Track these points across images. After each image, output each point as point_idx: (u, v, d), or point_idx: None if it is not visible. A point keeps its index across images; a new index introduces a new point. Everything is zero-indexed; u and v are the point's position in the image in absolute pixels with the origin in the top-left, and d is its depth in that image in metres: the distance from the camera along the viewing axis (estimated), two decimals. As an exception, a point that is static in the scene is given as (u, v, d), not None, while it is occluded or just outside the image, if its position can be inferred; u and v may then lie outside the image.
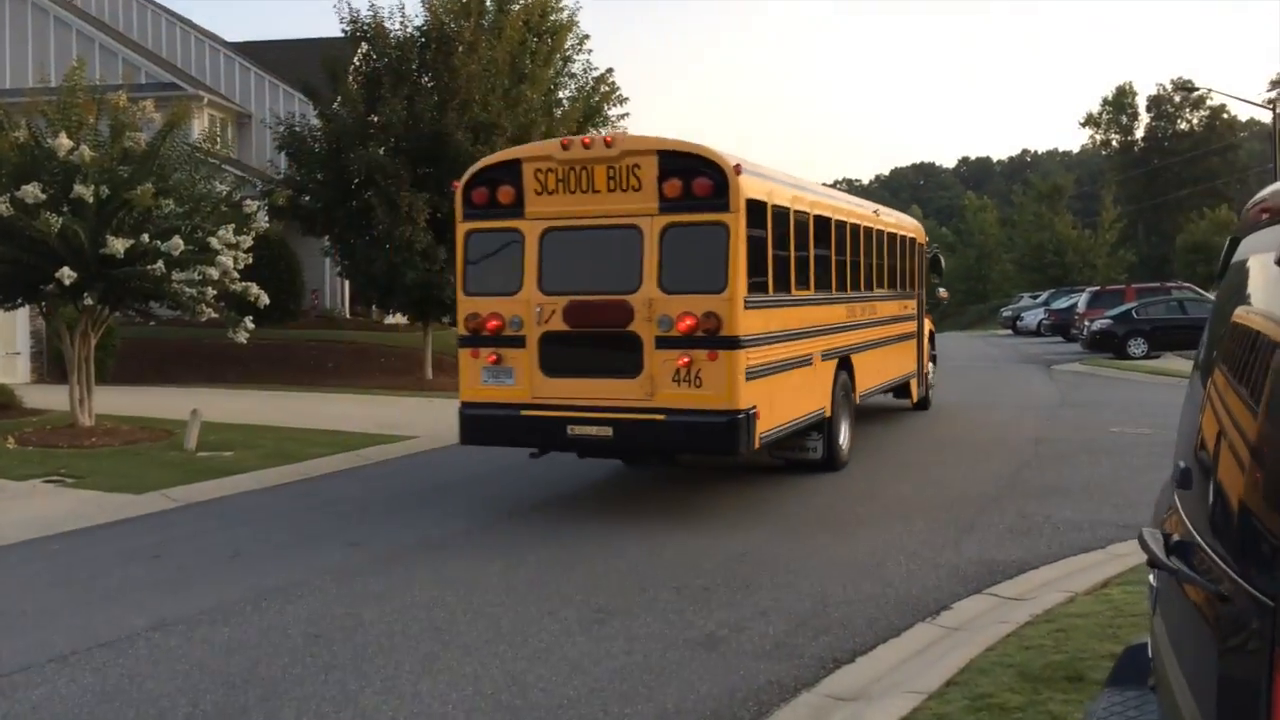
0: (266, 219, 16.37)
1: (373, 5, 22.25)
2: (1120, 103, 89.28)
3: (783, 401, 10.14)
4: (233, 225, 14.79)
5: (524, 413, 9.63)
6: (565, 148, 9.60)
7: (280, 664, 5.94)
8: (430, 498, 11.12)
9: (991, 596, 7.05)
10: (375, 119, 20.83)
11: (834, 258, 12.28)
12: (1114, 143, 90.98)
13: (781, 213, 10.38)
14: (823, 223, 11.78)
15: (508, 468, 13.06)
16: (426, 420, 17.09)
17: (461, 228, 10.06)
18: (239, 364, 22.76)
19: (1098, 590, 6.93)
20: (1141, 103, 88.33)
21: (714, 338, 9.03)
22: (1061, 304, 42.64)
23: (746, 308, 9.23)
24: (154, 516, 10.55)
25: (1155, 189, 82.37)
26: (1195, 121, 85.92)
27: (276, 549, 8.88)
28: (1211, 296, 34.43)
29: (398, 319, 26.69)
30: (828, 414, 11.54)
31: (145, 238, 13.72)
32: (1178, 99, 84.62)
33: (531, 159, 9.80)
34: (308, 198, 21.50)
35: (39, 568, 8.49)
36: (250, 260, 15.16)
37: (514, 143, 20.73)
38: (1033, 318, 46.30)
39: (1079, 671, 5.26)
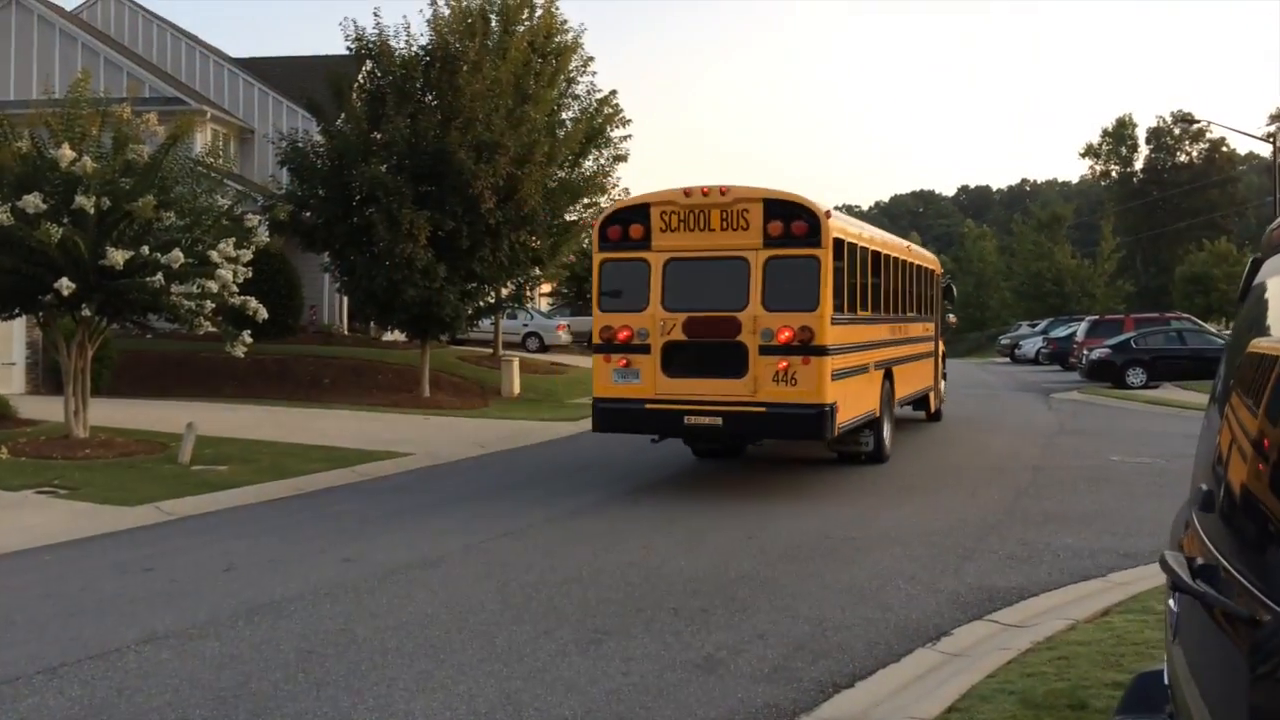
0: (267, 234, 16.35)
1: (378, 24, 22.18)
2: (1120, 134, 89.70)
3: (852, 401, 12.26)
4: (233, 239, 14.77)
5: (648, 406, 11.72)
6: (687, 195, 11.79)
7: (272, 679, 5.87)
8: (426, 514, 11.04)
9: (992, 623, 6.97)
10: (378, 136, 20.86)
11: (883, 286, 14.48)
12: (1113, 173, 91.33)
13: (852, 249, 12.56)
14: (876, 257, 14.00)
15: (507, 486, 13.00)
16: (423, 437, 17.03)
17: (598, 257, 12.33)
18: (235, 378, 22.70)
19: (1099, 618, 6.86)
20: (1141, 134, 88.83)
21: (807, 347, 11.28)
22: (1060, 333, 42.64)
23: (832, 324, 11.45)
24: (147, 529, 10.47)
25: (1154, 220, 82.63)
26: (1195, 154, 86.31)
27: (270, 564, 8.80)
28: (1210, 328, 34.59)
29: (396, 336, 26.65)
30: (877, 414, 13.65)
31: (145, 250, 13.70)
32: (1177, 131, 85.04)
33: (659, 203, 11.97)
34: (309, 213, 21.50)
35: (30, 578, 8.40)
36: (250, 274, 15.13)
37: (516, 163, 20.81)
38: (1031, 346, 46.27)
39: (1082, 700, 5.19)
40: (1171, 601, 2.36)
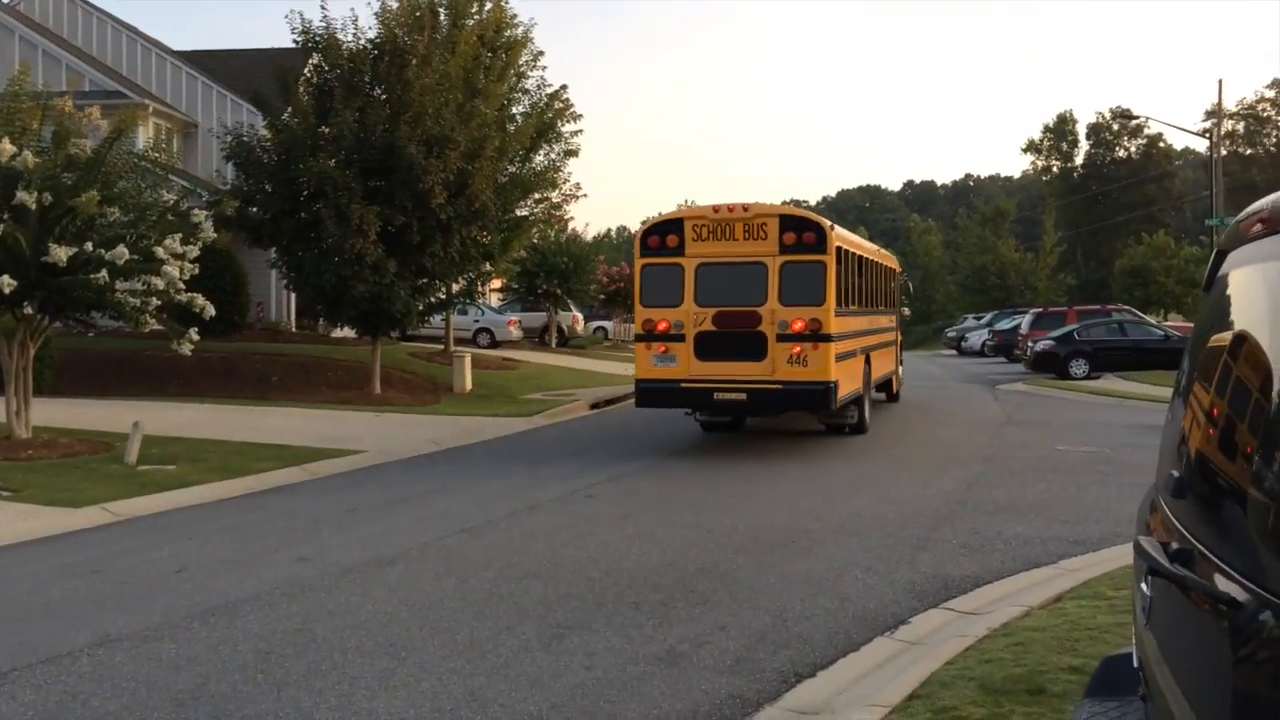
0: (213, 230, 16.08)
1: (325, 17, 21.87)
2: (1061, 130, 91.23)
3: (846, 380, 14.59)
4: (179, 235, 14.53)
5: (683, 385, 14.08)
6: (715, 211, 14.16)
7: (231, 681, 5.79)
8: (381, 512, 10.95)
9: (948, 611, 7.08)
10: (326, 130, 20.60)
11: (864, 284, 16.92)
12: (1055, 169, 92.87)
13: (847, 254, 15.08)
14: (860, 260, 16.57)
15: (461, 483, 12.94)
16: (374, 435, 16.89)
17: (639, 262, 14.53)
18: (181, 376, 22.32)
19: (1052, 605, 6.99)
20: (1082, 130, 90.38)
21: (816, 335, 13.63)
22: (1005, 325, 43.23)
23: (835, 316, 13.86)
24: (94, 531, 10.28)
25: (1094, 214, 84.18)
26: (1133, 149, 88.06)
27: (223, 564, 8.68)
28: (1150, 320, 35.31)
29: (345, 332, 26.36)
30: (861, 392, 16.08)
31: (89, 246, 13.44)
32: (1116, 127, 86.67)
33: (691, 218, 14.33)
34: (255, 209, 21.19)
35: (-26, 583, 8.20)
36: (196, 271, 14.89)
37: (467, 157, 20.66)
38: (977, 338, 46.89)
39: (1039, 684, 5.29)
40: (1144, 586, 2.41)
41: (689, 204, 19.25)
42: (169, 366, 22.03)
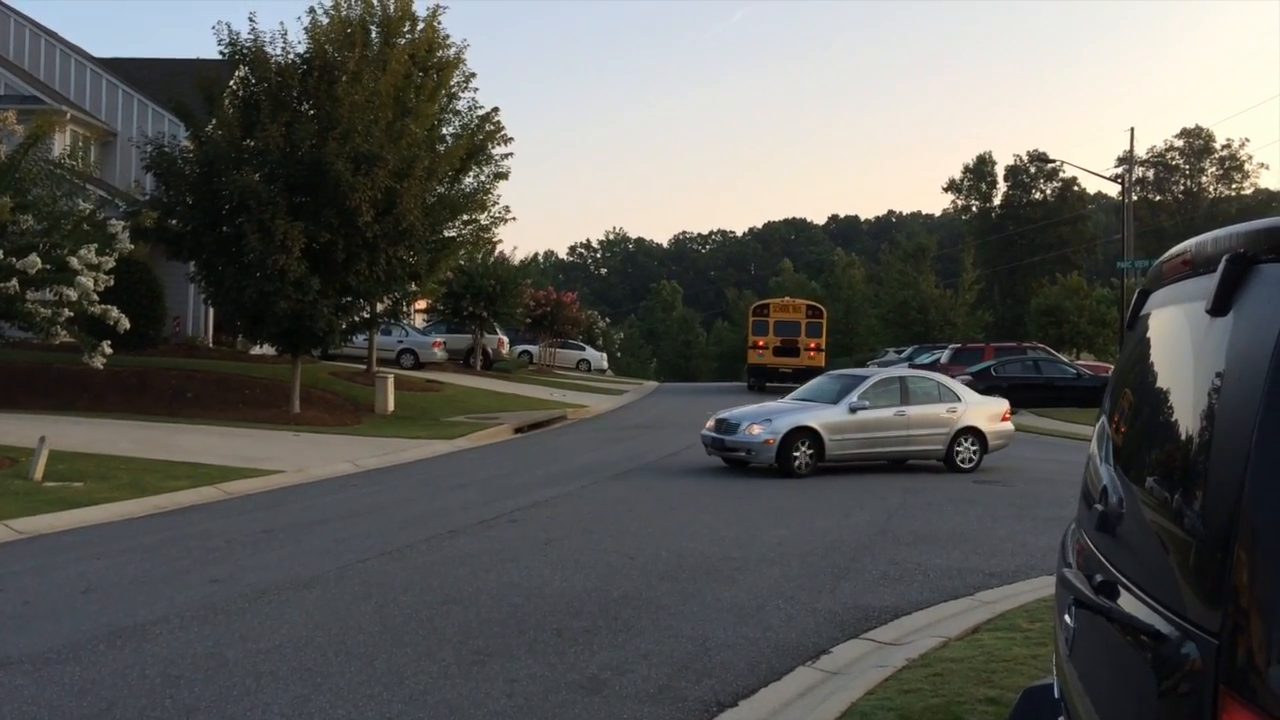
0: (130, 241, 15.70)
1: (254, 29, 21.54)
2: (980, 170, 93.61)
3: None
4: (94, 245, 14.16)
5: (767, 365, 39.73)
6: (782, 301, 44.17)
7: (137, 706, 5.59)
8: (298, 534, 10.72)
9: (868, 641, 7.14)
10: (251, 144, 20.26)
11: (824, 328, 41.97)
12: (974, 208, 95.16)
13: (826, 317, 42.92)
14: (821, 312, 42.39)
15: (382, 505, 12.74)
16: (293, 454, 16.56)
17: (752, 319, 41.54)
18: (91, 391, 21.65)
19: (969, 635, 7.10)
20: (1000, 171, 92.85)
21: (819, 349, 40.33)
22: (924, 359, 43.99)
23: (826, 343, 41.21)
24: (-5, 549, 9.87)
25: (1011, 254, 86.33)
26: (1048, 192, 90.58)
27: (132, 585, 8.41)
28: (1063, 358, 36.19)
29: (265, 350, 25.86)
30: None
31: (-1, 254, 13.01)
32: (1033, 170, 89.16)
33: (774, 304, 43.04)
34: (175, 221, 20.72)
35: None
36: (111, 282, 14.51)
37: (396, 176, 20.46)
38: (897, 372, 47.66)
39: (957, 715, 5.36)
40: (1067, 618, 2.46)
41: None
42: (79, 380, 21.37)
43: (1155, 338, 2.51)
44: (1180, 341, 2.24)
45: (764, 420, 15.66)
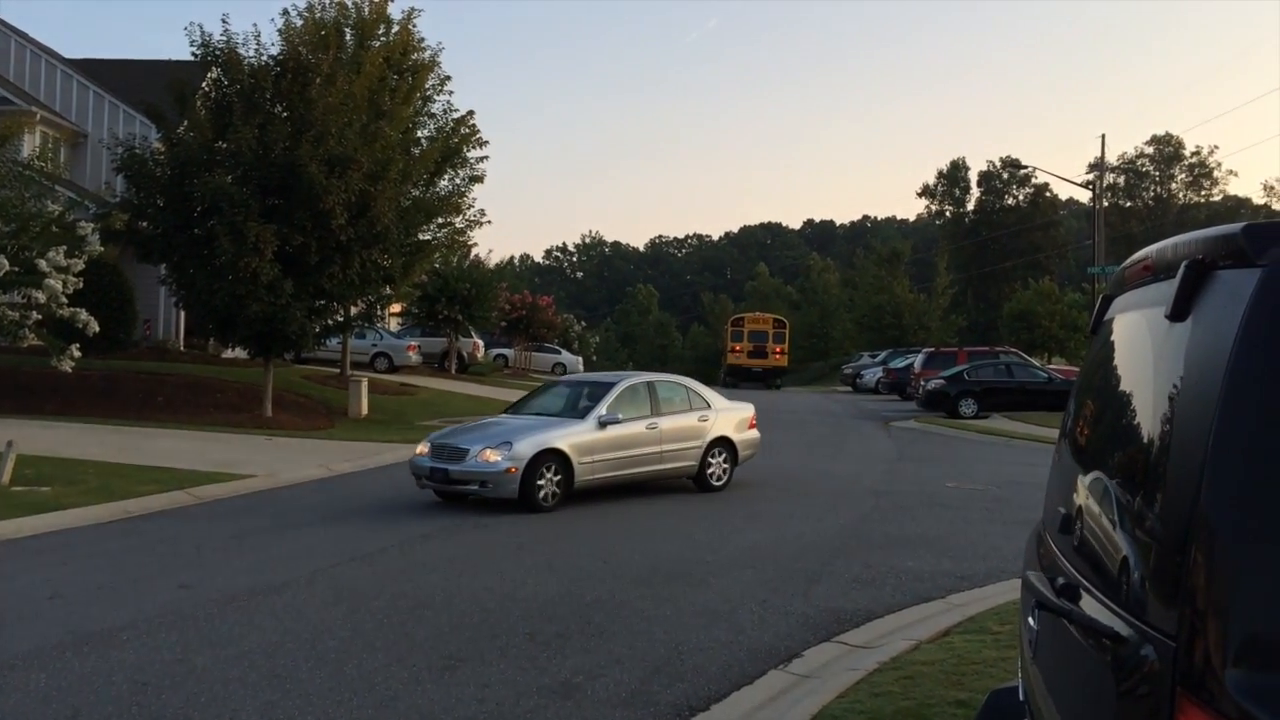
0: (100, 243, 15.56)
1: (226, 31, 21.38)
2: (954, 176, 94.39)
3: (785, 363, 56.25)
4: (63, 248, 14.02)
5: (740, 365, 52.20)
6: (754, 315, 59.41)
7: (103, 713, 5.54)
8: (269, 539, 10.65)
9: (840, 644, 7.16)
10: (223, 145, 20.11)
11: (786, 335, 55.97)
12: (948, 213, 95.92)
13: (789, 327, 57.65)
14: (784, 324, 56.41)
15: (354, 510, 12.67)
16: (265, 459, 16.44)
17: (730, 328, 55.13)
18: (59, 395, 21.40)
19: (940, 638, 7.13)
20: (974, 177, 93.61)
21: (783, 353, 54.17)
22: (899, 363, 44.25)
23: (788, 347, 55.96)
24: (-40, 555, 9.75)
25: (984, 258, 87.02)
26: (1021, 198, 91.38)
27: (100, 591, 8.33)
28: (1035, 362, 36.49)
29: (237, 353, 25.67)
30: (785, 366, 56.59)
31: (-35, 255, 12.85)
32: (1006, 176, 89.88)
33: (748, 317, 57.01)
34: (146, 223, 20.53)
35: None
36: (80, 285, 14.38)
37: (369, 179, 20.36)
38: (872, 376, 47.88)
39: (927, 717, 5.38)
40: (1031, 620, 2.48)
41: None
42: (47, 384, 21.13)
43: (1118, 342, 2.54)
44: (1141, 346, 2.27)
45: (502, 443, 12.63)
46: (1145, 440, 2.08)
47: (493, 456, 12.50)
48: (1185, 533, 1.77)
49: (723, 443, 14.76)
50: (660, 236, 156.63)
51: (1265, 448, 1.74)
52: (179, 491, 13.30)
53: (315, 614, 7.65)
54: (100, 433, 18.39)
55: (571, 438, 13.04)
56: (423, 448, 13.33)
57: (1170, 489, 1.87)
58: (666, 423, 14.14)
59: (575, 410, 13.95)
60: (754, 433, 15.51)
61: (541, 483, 12.62)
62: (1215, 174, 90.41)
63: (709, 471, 14.55)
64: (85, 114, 30.41)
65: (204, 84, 21.96)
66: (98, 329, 14.41)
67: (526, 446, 12.59)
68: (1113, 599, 2.01)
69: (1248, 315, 1.80)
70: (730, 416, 15.11)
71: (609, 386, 14.07)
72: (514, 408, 15.49)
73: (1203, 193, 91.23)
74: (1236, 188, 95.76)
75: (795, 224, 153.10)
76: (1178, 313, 2.03)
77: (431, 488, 13.07)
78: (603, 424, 13.37)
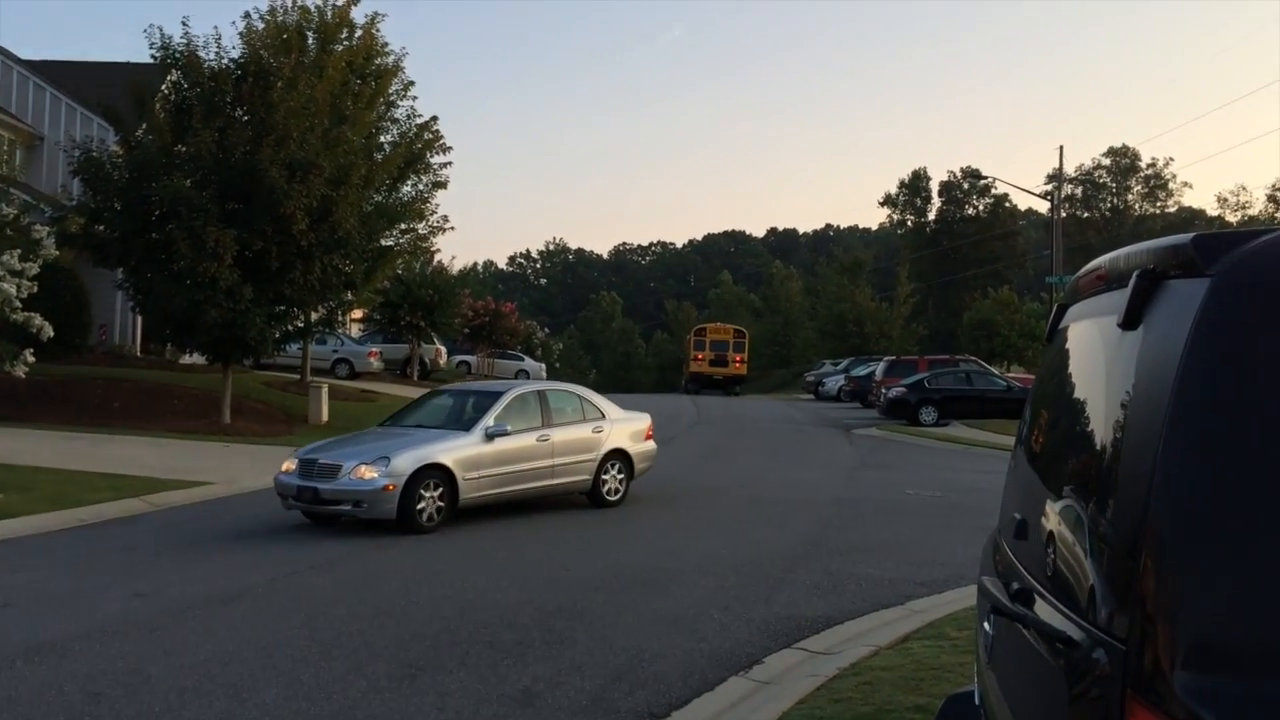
0: (55, 247, 15.32)
1: (186, 33, 21.13)
2: (915, 186, 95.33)
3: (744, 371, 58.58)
4: (18, 251, 13.80)
5: (703, 374, 54.30)
6: (715, 325, 60.72)
7: (54, 725, 5.44)
8: (227, 547, 10.53)
9: (801, 650, 7.19)
10: (183, 149, 19.89)
11: (746, 345, 58.44)
12: (909, 223, 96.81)
13: (748, 338, 60.56)
14: (744, 334, 59.06)
15: (308, 520, 12.54)
16: (222, 466, 16.26)
17: (693, 338, 57.50)
18: (13, 401, 21.03)
19: (899, 644, 7.17)
20: (935, 187, 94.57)
21: (743, 362, 56.15)
22: (860, 371, 44.56)
23: (746, 355, 57.94)
24: (-93, 563, 9.56)
25: (945, 268, 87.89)
26: (981, 208, 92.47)
27: (53, 600, 8.19)
28: (994, 370, 36.88)
29: (195, 359, 25.37)
30: (744, 376, 58.78)
31: (-85, 258, 12.62)
32: (966, 186, 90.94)
33: (710, 328, 58.66)
34: (103, 226, 20.26)
35: None
36: (35, 289, 14.15)
37: (331, 184, 20.22)
38: (834, 384, 48.16)
39: (886, 723, 5.40)
40: (986, 625, 2.50)
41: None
42: (0, 390, 20.77)
43: (1072, 351, 2.58)
44: (1094, 355, 2.30)
45: (379, 458, 11.58)
46: (1098, 447, 2.11)
47: (368, 473, 11.41)
48: (1135, 538, 1.80)
49: (618, 455, 13.93)
50: (624, 244, 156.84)
51: (1213, 454, 1.77)
52: (135, 499, 13.13)
53: (273, 623, 7.57)
54: (54, 439, 18.10)
55: (456, 451, 12.06)
56: (289, 464, 12.13)
57: (1121, 495, 1.90)
58: (559, 434, 13.26)
59: (460, 421, 12.95)
60: (650, 444, 14.70)
61: (423, 501, 11.58)
62: (1170, 186, 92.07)
63: (604, 486, 13.68)
64: (42, 116, 29.98)
65: (163, 87, 21.73)
66: (52, 334, 14.18)
67: (406, 461, 11.56)
68: (1065, 604, 2.04)
69: (1196, 324, 1.83)
70: (626, 427, 14.29)
71: (497, 396, 13.17)
72: (394, 418, 14.31)
73: (1158, 204, 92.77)
74: (1191, 199, 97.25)
75: (759, 232, 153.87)
76: (1129, 321, 2.06)
77: (299, 509, 11.88)
78: (490, 436, 12.44)
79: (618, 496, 13.84)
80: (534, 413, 13.25)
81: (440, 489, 11.79)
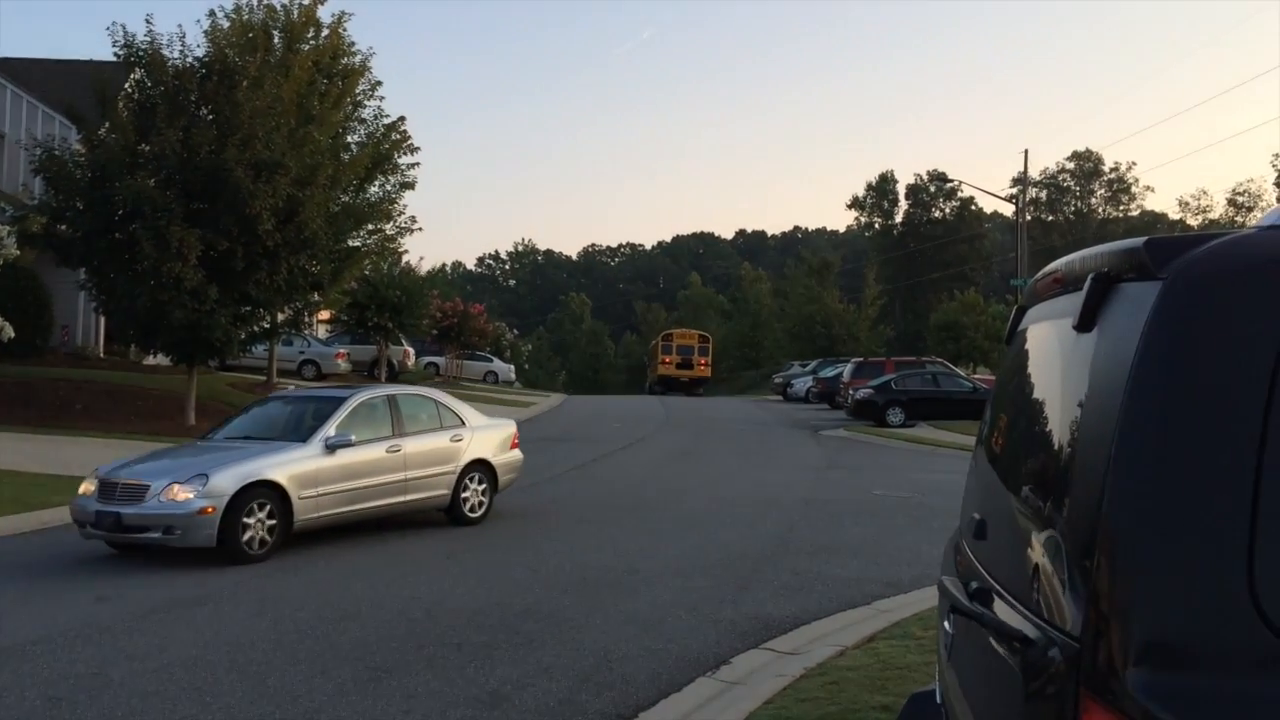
0: (16, 247, 15.12)
1: (150, 31, 20.90)
2: (883, 188, 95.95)
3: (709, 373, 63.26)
4: (-23, 250, 13.60)
5: (670, 375, 58.69)
6: (682, 330, 67.85)
7: (14, 731, 5.37)
8: (192, 550, 10.41)
9: (768, 651, 7.22)
10: (146, 148, 19.68)
11: (711, 349, 63.34)
12: (877, 225, 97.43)
13: (712, 342, 65.32)
14: (708, 339, 64.05)
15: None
16: (188, 468, 16.08)
17: (659, 342, 62.48)
18: (-28, 402, 20.75)
19: (865, 644, 7.22)
20: (901, 190, 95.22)
21: (706, 365, 60.76)
22: (828, 373, 44.74)
23: (710, 359, 62.93)
24: None
25: (911, 270, 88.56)
26: (947, 211, 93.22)
27: (12, 603, 8.08)
28: (960, 372, 37.20)
29: (159, 360, 25.10)
30: (709, 378, 63.57)
31: None
32: (933, 189, 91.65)
33: (676, 333, 63.91)
34: (65, 226, 20.00)
35: None
36: (-5, 289, 13.96)
37: (299, 184, 20.07)
38: (802, 385, 48.35)
39: (851, 722, 5.44)
40: (946, 624, 2.53)
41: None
42: (-41, 391, 20.46)
43: (1030, 352, 2.62)
44: (1051, 356, 2.34)
45: (194, 475, 9.97)
46: (1054, 447, 2.14)
47: (182, 494, 9.79)
48: (1090, 538, 1.83)
49: (480, 466, 12.64)
50: (593, 245, 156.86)
51: (1165, 454, 1.80)
52: (97, 502, 12.94)
53: (238, 625, 7.52)
54: (16, 441, 17.85)
55: (290, 466, 10.56)
56: (88, 485, 10.45)
57: (1076, 495, 1.93)
58: (412, 444, 11.91)
59: (297, 431, 11.37)
60: (516, 453, 13.48)
61: (249, 525, 10.03)
62: (1133, 189, 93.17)
63: (464, 502, 12.41)
64: (2, 114, 29.54)
65: (127, 85, 21.48)
66: (13, 334, 14.02)
67: (228, 480, 9.98)
68: (1022, 602, 2.07)
69: (1149, 326, 1.87)
70: (488, 435, 13.03)
71: (339, 402, 11.74)
72: (218, 429, 12.47)
73: (1121, 207, 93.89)
74: (1154, 203, 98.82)
75: (728, 234, 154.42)
76: (1084, 323, 2.09)
77: (100, 538, 10.17)
78: (331, 448, 11.00)
79: (480, 513, 12.54)
80: (383, 420, 11.91)
81: (270, 510, 10.27)
